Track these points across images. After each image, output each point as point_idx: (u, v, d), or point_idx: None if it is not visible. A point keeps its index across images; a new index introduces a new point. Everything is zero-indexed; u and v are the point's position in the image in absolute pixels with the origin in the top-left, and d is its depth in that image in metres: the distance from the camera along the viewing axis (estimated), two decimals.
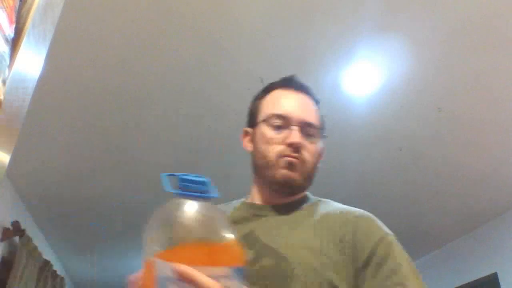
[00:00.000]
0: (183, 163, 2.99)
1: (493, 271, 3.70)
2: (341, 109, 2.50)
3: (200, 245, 0.52)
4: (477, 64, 2.22)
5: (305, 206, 0.90)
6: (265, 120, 0.90)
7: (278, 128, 0.88)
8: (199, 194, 0.56)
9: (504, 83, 2.34)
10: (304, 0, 1.87)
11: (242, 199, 0.96)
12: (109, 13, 1.91)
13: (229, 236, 0.54)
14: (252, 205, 0.91)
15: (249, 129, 0.95)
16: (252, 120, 0.95)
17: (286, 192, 0.88)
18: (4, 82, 0.52)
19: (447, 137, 2.78)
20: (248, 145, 0.94)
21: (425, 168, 3.07)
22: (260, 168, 0.89)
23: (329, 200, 0.93)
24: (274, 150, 0.86)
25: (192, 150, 2.88)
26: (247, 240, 0.80)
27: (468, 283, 3.91)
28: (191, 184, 0.56)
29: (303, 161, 0.86)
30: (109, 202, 3.54)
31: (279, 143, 0.86)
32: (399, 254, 0.78)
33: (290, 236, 0.82)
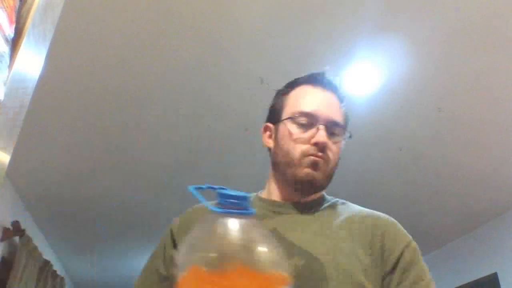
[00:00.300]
0: (183, 163, 2.99)
1: (493, 271, 3.70)
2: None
3: (247, 270, 0.46)
4: (477, 64, 2.22)
5: (326, 205, 0.90)
6: (290, 118, 0.88)
7: (303, 126, 0.86)
8: (242, 211, 0.51)
9: (504, 83, 2.34)
10: (304, 0, 1.87)
11: (254, 194, 0.94)
12: (109, 13, 1.91)
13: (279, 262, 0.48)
14: (272, 202, 0.89)
15: (270, 125, 0.93)
16: (275, 116, 0.92)
17: (308, 191, 0.88)
18: (4, 82, 0.52)
19: (447, 137, 2.78)
20: (268, 141, 0.93)
21: (425, 168, 3.07)
22: (282, 166, 0.87)
23: (346, 201, 0.94)
24: (299, 148, 0.85)
25: (192, 150, 2.88)
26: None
27: (468, 283, 3.91)
28: (233, 200, 0.51)
29: (326, 160, 0.86)
30: (109, 202, 3.54)
31: (304, 142, 0.85)
32: (422, 261, 0.82)
33: (320, 236, 0.81)
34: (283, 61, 2.16)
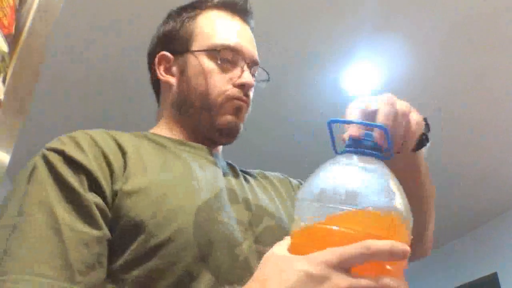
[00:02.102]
0: None
1: (493, 271, 3.70)
2: (341, 109, 2.50)
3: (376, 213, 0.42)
4: (477, 64, 2.22)
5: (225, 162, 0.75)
6: (209, 51, 0.71)
7: (225, 62, 0.71)
8: (374, 152, 0.47)
9: (504, 83, 2.34)
10: (304, 1, 1.87)
11: (146, 132, 0.75)
12: (109, 12, 1.91)
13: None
14: (196, 146, 0.71)
15: (168, 55, 0.75)
16: (178, 45, 0.74)
17: (224, 141, 0.73)
18: (4, 81, 0.52)
19: (447, 137, 2.78)
20: (165, 76, 0.75)
21: None
22: (195, 108, 0.71)
23: None
24: (220, 90, 0.70)
25: None
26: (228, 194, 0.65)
27: (468, 283, 3.91)
28: (365, 141, 0.47)
29: (248, 106, 0.73)
30: None
31: (227, 83, 0.71)
32: None
33: (265, 192, 0.72)
34: (283, 61, 2.16)
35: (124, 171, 0.57)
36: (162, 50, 0.75)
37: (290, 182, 0.81)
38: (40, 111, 2.44)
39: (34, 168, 0.56)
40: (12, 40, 0.55)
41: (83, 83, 2.30)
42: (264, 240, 0.60)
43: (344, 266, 0.39)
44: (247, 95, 0.72)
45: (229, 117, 0.70)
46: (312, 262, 0.40)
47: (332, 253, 0.39)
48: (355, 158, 0.47)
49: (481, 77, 2.30)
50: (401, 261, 0.41)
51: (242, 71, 0.71)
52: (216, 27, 0.74)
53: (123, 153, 0.59)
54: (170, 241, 0.52)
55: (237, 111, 0.71)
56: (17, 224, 0.49)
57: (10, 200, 0.53)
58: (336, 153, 0.50)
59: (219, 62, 0.71)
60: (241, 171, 0.76)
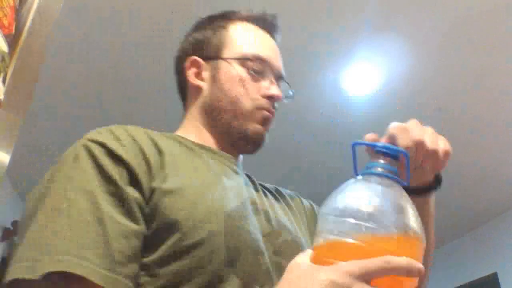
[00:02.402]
0: None
1: (493, 271, 3.70)
2: (341, 109, 2.50)
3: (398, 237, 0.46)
4: (476, 64, 2.22)
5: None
6: (241, 59, 0.73)
7: (255, 73, 0.73)
8: (400, 180, 0.51)
9: (504, 83, 2.34)
10: (304, 1, 1.87)
11: (174, 134, 0.75)
12: (109, 13, 1.91)
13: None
14: (222, 154, 0.72)
15: (200, 60, 0.76)
16: (209, 51, 0.76)
17: (249, 149, 0.74)
18: (4, 81, 0.52)
19: (447, 137, 2.77)
20: (196, 80, 0.76)
21: None
22: (225, 114, 0.72)
23: None
24: (251, 99, 0.72)
25: None
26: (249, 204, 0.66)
27: (468, 283, 3.91)
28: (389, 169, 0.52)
29: (274, 118, 0.75)
30: None
31: (257, 93, 0.72)
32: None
33: (281, 208, 0.73)
34: (283, 61, 2.16)
35: (161, 170, 0.58)
36: (193, 56, 0.77)
37: (301, 201, 0.83)
38: (40, 111, 2.44)
39: (76, 156, 0.56)
40: (12, 40, 0.55)
41: (83, 83, 2.30)
42: (282, 253, 0.62)
43: (366, 278, 0.42)
44: (273, 107, 0.74)
45: (257, 126, 0.72)
46: (336, 272, 0.43)
47: (355, 265, 0.43)
48: (377, 179, 0.51)
49: (481, 77, 2.30)
50: (415, 278, 0.44)
51: (271, 83, 0.74)
52: (247, 38, 0.77)
53: (160, 152, 0.61)
54: (202, 243, 0.53)
55: (265, 122, 0.73)
56: (62, 208, 0.50)
57: (53, 183, 0.55)
58: (356, 173, 0.54)
59: (250, 71, 0.73)
60: (259, 184, 0.77)
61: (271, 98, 0.73)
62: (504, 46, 2.11)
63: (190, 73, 0.76)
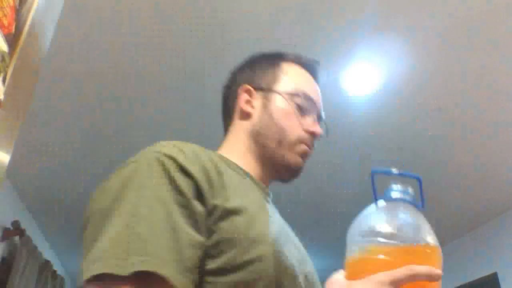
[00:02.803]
0: None
1: (493, 271, 3.70)
2: (341, 109, 2.50)
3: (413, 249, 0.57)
4: (477, 64, 2.22)
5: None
6: (291, 94, 0.81)
7: (302, 109, 0.80)
8: (417, 204, 0.62)
9: (504, 82, 2.34)
10: (304, 1, 1.87)
11: (219, 153, 0.80)
12: (109, 13, 1.91)
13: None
14: (258, 183, 0.78)
15: (252, 89, 0.84)
16: (263, 82, 0.83)
17: (284, 179, 0.81)
18: (4, 81, 0.52)
19: (447, 137, 2.78)
20: (247, 107, 0.83)
21: (425, 168, 3.07)
22: (271, 141, 0.79)
23: None
24: (296, 132, 0.79)
25: None
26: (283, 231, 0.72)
27: (468, 283, 3.91)
28: (407, 194, 0.63)
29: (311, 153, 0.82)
30: None
31: (301, 127, 0.79)
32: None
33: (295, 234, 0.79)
34: None
35: (222, 189, 0.63)
36: (246, 84, 0.84)
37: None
38: (40, 111, 2.44)
39: (150, 167, 0.60)
40: (12, 40, 0.55)
41: (83, 83, 2.30)
42: (310, 279, 0.69)
43: (394, 285, 0.53)
44: (313, 144, 0.81)
45: (298, 158, 0.79)
46: (369, 282, 0.53)
47: (384, 275, 0.53)
48: (395, 203, 0.61)
49: (481, 77, 2.30)
50: (436, 283, 0.54)
51: (314, 121, 0.82)
52: (299, 77, 0.85)
53: (219, 173, 0.65)
54: (255, 262, 0.59)
55: (304, 155, 0.80)
56: (141, 213, 0.54)
57: (126, 189, 0.58)
58: (376, 198, 0.63)
59: (297, 106, 0.80)
60: None
61: (313, 134, 0.80)
62: (504, 46, 2.11)
63: (242, 100, 0.83)
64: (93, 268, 0.50)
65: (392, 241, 0.55)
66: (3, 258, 3.03)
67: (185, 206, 0.57)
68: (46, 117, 2.51)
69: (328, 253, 3.64)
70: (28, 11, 0.59)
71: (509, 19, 1.96)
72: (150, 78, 2.29)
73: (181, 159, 0.61)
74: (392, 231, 0.56)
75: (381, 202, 0.62)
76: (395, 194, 0.62)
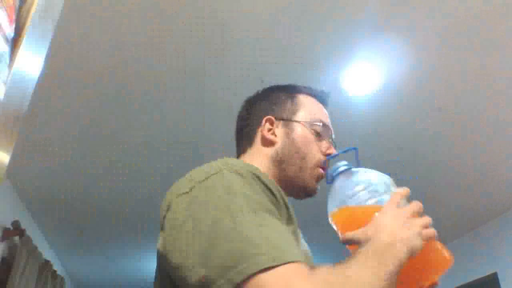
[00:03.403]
0: (185, 163, 2.99)
1: (493, 271, 3.69)
2: (341, 109, 2.50)
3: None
4: (477, 64, 2.22)
5: None
6: (311, 123, 0.92)
7: (318, 136, 0.91)
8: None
9: (504, 82, 2.34)
10: (304, 1, 1.87)
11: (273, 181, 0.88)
12: (109, 12, 1.91)
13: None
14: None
15: (274, 119, 0.93)
16: (283, 113, 0.94)
17: (301, 197, 0.92)
18: (4, 81, 0.52)
19: (447, 137, 2.77)
20: (270, 135, 0.92)
21: (425, 168, 3.07)
22: (293, 166, 0.89)
23: None
24: (315, 157, 0.89)
25: (195, 151, 2.88)
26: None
27: (468, 283, 3.91)
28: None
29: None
30: (109, 201, 3.54)
31: (319, 151, 0.90)
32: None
33: None
34: (284, 61, 2.16)
35: (289, 220, 0.72)
36: (267, 115, 0.94)
37: None
38: (40, 111, 2.44)
39: (245, 179, 0.68)
40: (12, 40, 0.55)
41: (83, 83, 2.30)
42: None
43: (414, 215, 0.72)
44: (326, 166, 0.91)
45: (314, 182, 0.90)
46: (396, 211, 0.72)
47: (410, 207, 0.73)
48: (346, 173, 0.81)
49: (481, 77, 2.30)
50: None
51: (330, 144, 0.92)
52: (314, 106, 0.96)
53: (286, 204, 0.73)
54: None
55: (319, 178, 0.90)
56: (261, 219, 0.61)
57: (234, 196, 0.64)
58: (332, 176, 0.82)
59: (317, 133, 0.91)
60: None
61: (329, 155, 0.91)
62: (504, 46, 2.11)
63: (265, 129, 0.92)
64: (248, 267, 0.54)
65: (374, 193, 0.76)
66: (3, 258, 3.03)
67: (277, 217, 0.66)
68: (46, 117, 2.51)
69: (328, 253, 3.64)
70: (28, 11, 0.59)
71: (509, 19, 1.96)
72: (150, 78, 2.29)
73: (263, 177, 0.71)
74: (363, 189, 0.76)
75: (347, 173, 0.80)
76: (342, 168, 0.80)
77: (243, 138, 0.97)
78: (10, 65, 0.54)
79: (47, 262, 3.78)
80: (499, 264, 3.66)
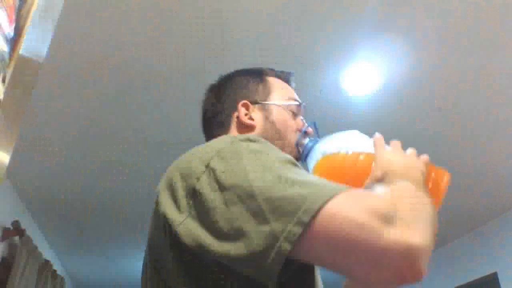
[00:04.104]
0: None
1: (493, 271, 3.70)
2: (341, 109, 2.50)
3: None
4: (477, 64, 2.22)
5: None
6: (285, 104, 0.94)
7: (294, 115, 0.93)
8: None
9: (504, 82, 2.34)
10: (304, 1, 1.87)
11: None
12: (108, 12, 1.91)
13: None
14: None
15: (249, 103, 0.93)
16: (258, 96, 0.95)
17: None
18: (4, 81, 0.52)
19: (447, 137, 2.78)
20: (248, 120, 0.91)
21: None
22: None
23: None
24: (294, 136, 0.91)
25: None
26: None
27: (468, 283, 3.91)
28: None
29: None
30: (109, 201, 3.54)
31: (296, 130, 0.92)
32: None
33: None
34: (284, 61, 2.16)
35: None
36: (242, 100, 0.93)
37: None
38: (40, 111, 2.44)
39: (258, 142, 0.67)
40: (12, 40, 0.55)
41: (83, 83, 2.30)
42: None
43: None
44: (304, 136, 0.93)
45: (296, 156, 0.89)
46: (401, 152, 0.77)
47: (396, 143, 0.80)
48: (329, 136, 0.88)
49: (481, 77, 2.30)
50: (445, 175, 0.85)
51: (303, 120, 0.95)
52: (285, 87, 0.98)
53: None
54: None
55: (299, 159, 0.90)
56: (295, 170, 0.59)
57: (260, 153, 0.62)
58: (305, 154, 0.87)
59: (290, 113, 0.93)
60: None
61: (306, 133, 0.93)
62: (504, 46, 2.11)
63: (242, 114, 0.91)
64: (320, 196, 0.52)
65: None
66: (3, 258, 3.03)
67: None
68: (46, 117, 2.51)
69: None
70: (28, 11, 0.59)
71: (509, 19, 1.96)
72: (150, 78, 2.29)
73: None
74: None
75: (317, 144, 0.86)
76: (310, 143, 0.87)
77: (215, 126, 0.95)
78: (10, 65, 0.54)
79: (47, 262, 3.78)
80: (499, 264, 3.66)
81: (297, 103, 0.95)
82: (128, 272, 5.22)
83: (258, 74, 1.00)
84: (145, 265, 0.74)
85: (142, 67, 2.21)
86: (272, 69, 1.01)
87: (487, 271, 3.74)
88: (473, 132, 2.72)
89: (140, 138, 2.77)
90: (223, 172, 0.60)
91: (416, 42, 2.09)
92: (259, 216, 0.53)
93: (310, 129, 0.93)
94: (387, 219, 0.50)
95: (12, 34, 0.55)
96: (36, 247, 3.42)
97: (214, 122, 0.96)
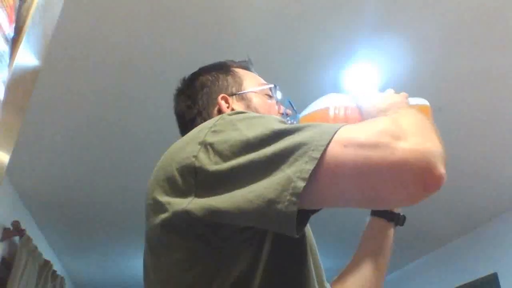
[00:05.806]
0: None
1: (493, 271, 3.70)
2: None
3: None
4: (477, 63, 2.22)
5: None
6: (260, 89, 0.96)
7: (269, 98, 0.96)
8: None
9: (504, 82, 2.34)
10: (304, 1, 1.87)
11: None
12: (108, 12, 1.91)
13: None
14: None
15: (228, 96, 0.94)
16: (233, 88, 0.96)
17: None
18: (4, 81, 0.52)
19: (447, 137, 2.76)
20: (231, 111, 0.91)
21: None
22: None
23: None
24: (278, 116, 0.92)
25: None
26: None
27: (468, 283, 3.91)
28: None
29: None
30: (109, 201, 3.54)
31: (275, 111, 0.94)
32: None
33: None
34: (283, 61, 2.16)
35: None
36: (218, 94, 0.94)
37: None
38: (40, 110, 2.44)
39: (246, 112, 0.68)
40: (12, 40, 0.55)
41: (83, 83, 2.30)
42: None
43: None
44: None
45: None
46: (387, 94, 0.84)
47: (389, 92, 0.86)
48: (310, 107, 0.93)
49: (482, 77, 2.30)
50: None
51: (279, 105, 0.96)
52: (253, 75, 1.01)
53: None
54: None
55: None
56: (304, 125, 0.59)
57: (253, 118, 0.64)
58: (293, 116, 0.96)
59: (269, 96, 0.95)
60: None
61: (285, 114, 0.95)
62: (505, 46, 2.11)
63: (223, 107, 0.92)
64: (327, 133, 0.53)
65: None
66: (3, 258, 3.03)
67: None
68: (46, 117, 2.51)
69: (328, 252, 3.64)
70: (28, 11, 0.59)
71: (509, 19, 1.96)
72: (151, 77, 2.29)
73: None
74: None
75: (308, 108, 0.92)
76: (294, 117, 0.94)
77: (194, 125, 0.94)
78: (10, 65, 0.54)
79: (47, 262, 3.78)
80: (499, 264, 3.66)
81: (270, 86, 0.97)
82: (128, 272, 5.22)
83: (224, 67, 1.02)
84: (145, 267, 0.75)
85: (142, 66, 2.21)
86: (232, 60, 1.04)
87: (487, 271, 3.75)
88: (473, 132, 2.72)
89: (140, 138, 2.77)
90: (223, 142, 0.60)
91: (416, 42, 2.09)
92: (270, 169, 0.53)
93: (288, 111, 0.96)
94: (396, 135, 0.52)
95: (12, 34, 0.55)
96: (36, 247, 3.42)
97: (195, 123, 0.93)
